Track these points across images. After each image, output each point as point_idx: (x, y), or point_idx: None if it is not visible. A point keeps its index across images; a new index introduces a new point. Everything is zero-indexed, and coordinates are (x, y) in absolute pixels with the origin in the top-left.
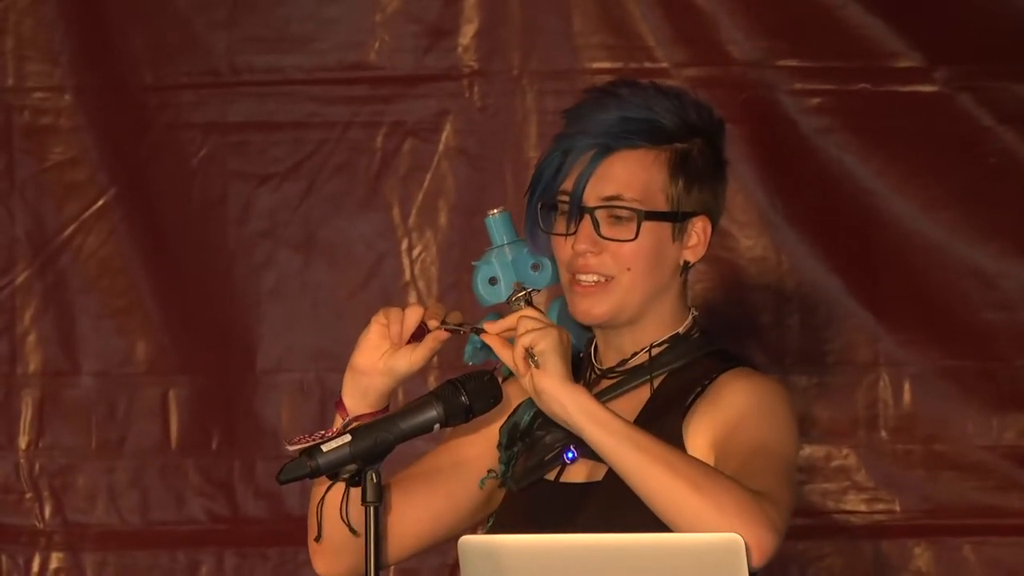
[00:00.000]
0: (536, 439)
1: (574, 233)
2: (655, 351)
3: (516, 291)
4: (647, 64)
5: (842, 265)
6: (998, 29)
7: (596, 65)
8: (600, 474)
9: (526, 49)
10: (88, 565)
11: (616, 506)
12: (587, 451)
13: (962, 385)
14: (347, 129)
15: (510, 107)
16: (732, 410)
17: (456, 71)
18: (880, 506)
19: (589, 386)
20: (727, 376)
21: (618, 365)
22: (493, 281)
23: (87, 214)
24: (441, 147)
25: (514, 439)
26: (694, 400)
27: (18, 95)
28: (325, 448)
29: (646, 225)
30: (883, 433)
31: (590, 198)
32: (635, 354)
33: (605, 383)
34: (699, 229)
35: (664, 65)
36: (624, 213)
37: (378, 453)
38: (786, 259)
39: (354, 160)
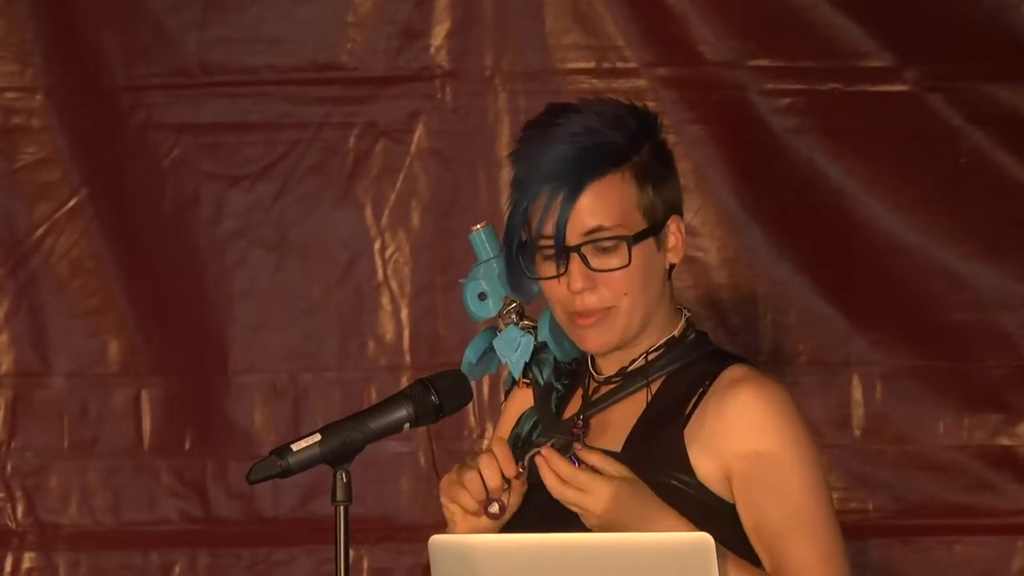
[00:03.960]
0: (534, 447)
1: (564, 273)
2: (652, 356)
3: (507, 305)
4: (619, 64)
5: (813, 265)
6: (969, 29)
7: (568, 65)
8: None
9: (498, 50)
10: (61, 565)
11: None
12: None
13: (933, 385)
14: (320, 130)
15: (482, 108)
16: (745, 443)
17: (428, 72)
18: (853, 505)
19: (588, 394)
20: (726, 382)
21: (617, 373)
22: (482, 297)
23: (59, 214)
24: (413, 148)
25: (516, 449)
26: (694, 407)
27: None
28: (295, 447)
29: (636, 247)
30: (855, 433)
31: (572, 236)
32: (633, 361)
33: (604, 389)
34: (674, 229)
35: (634, 65)
36: (610, 243)
37: (348, 453)
38: (757, 259)
39: (327, 161)
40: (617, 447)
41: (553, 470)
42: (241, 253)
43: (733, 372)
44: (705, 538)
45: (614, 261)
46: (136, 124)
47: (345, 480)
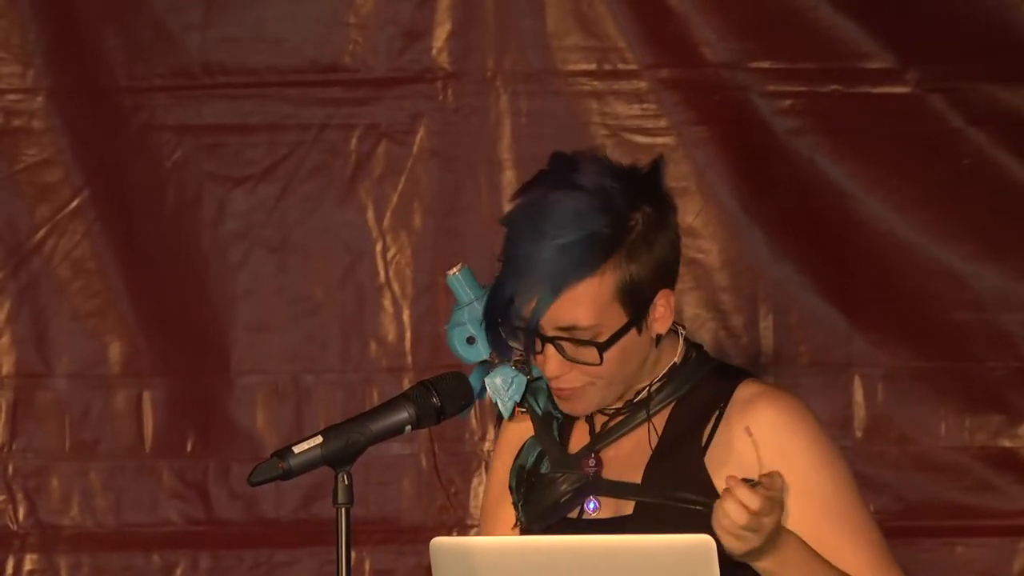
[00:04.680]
0: (547, 481)
1: (541, 353)
2: (655, 387)
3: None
4: (620, 66)
5: (814, 266)
6: (969, 30)
7: (570, 67)
8: (629, 508)
9: (500, 51)
10: (63, 567)
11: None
12: (607, 494)
13: (935, 386)
14: (321, 131)
15: (484, 109)
16: (775, 459)
17: (430, 73)
18: None
19: (593, 426)
20: (742, 402)
21: (624, 405)
22: (471, 341)
23: (61, 216)
24: (415, 149)
25: (522, 481)
26: (713, 431)
27: None
28: (296, 449)
29: (609, 348)
30: (856, 434)
31: (548, 328)
32: (638, 393)
33: (612, 422)
34: (663, 303)
35: (636, 67)
36: (583, 343)
37: (350, 455)
38: (758, 260)
39: (329, 162)
40: (636, 478)
41: (741, 501)
42: (243, 254)
43: (745, 390)
44: (706, 540)
45: (587, 356)
46: (138, 125)
47: (347, 482)
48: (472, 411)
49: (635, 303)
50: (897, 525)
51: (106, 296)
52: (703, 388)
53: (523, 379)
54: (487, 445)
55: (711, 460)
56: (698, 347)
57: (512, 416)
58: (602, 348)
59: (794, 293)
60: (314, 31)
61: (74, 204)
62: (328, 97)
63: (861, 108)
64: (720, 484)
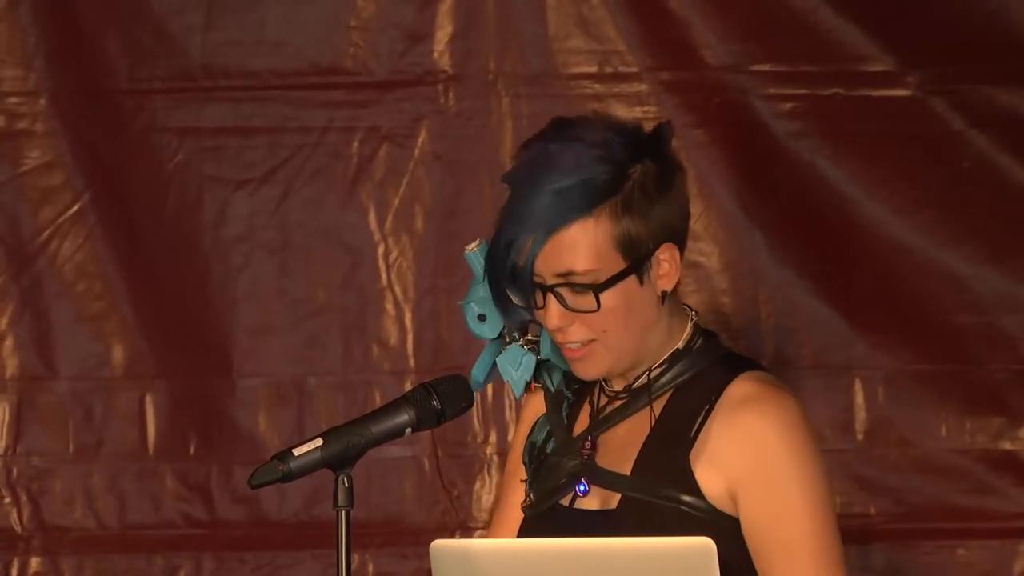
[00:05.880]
0: (553, 463)
1: (543, 307)
2: (655, 372)
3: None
4: (620, 68)
5: (815, 269)
6: (970, 32)
7: (571, 70)
8: (614, 501)
9: (501, 54)
10: (66, 569)
11: (633, 531)
12: (598, 481)
13: (936, 388)
14: (323, 134)
15: (486, 111)
16: (749, 465)
17: (431, 76)
18: (855, 510)
19: (596, 408)
20: (732, 399)
21: (624, 390)
22: (482, 318)
23: (63, 219)
24: (417, 152)
25: (533, 458)
26: (700, 427)
27: None
28: (296, 452)
29: (607, 292)
30: (857, 436)
31: (548, 277)
32: (638, 378)
33: (612, 406)
34: (666, 258)
35: (636, 69)
36: (580, 287)
37: (350, 457)
38: (759, 263)
39: (330, 165)
40: (626, 469)
41: None
42: (245, 257)
43: (739, 387)
44: (707, 543)
45: (587, 303)
46: (139, 128)
47: (347, 485)
48: (474, 414)
49: (633, 251)
50: (898, 527)
51: (108, 299)
52: (703, 378)
53: (532, 358)
54: (490, 448)
55: (695, 458)
56: (709, 333)
57: (528, 390)
58: (598, 290)
59: (795, 295)
60: (315, 34)
61: (76, 207)
62: (329, 100)
63: (862, 111)
64: (703, 481)
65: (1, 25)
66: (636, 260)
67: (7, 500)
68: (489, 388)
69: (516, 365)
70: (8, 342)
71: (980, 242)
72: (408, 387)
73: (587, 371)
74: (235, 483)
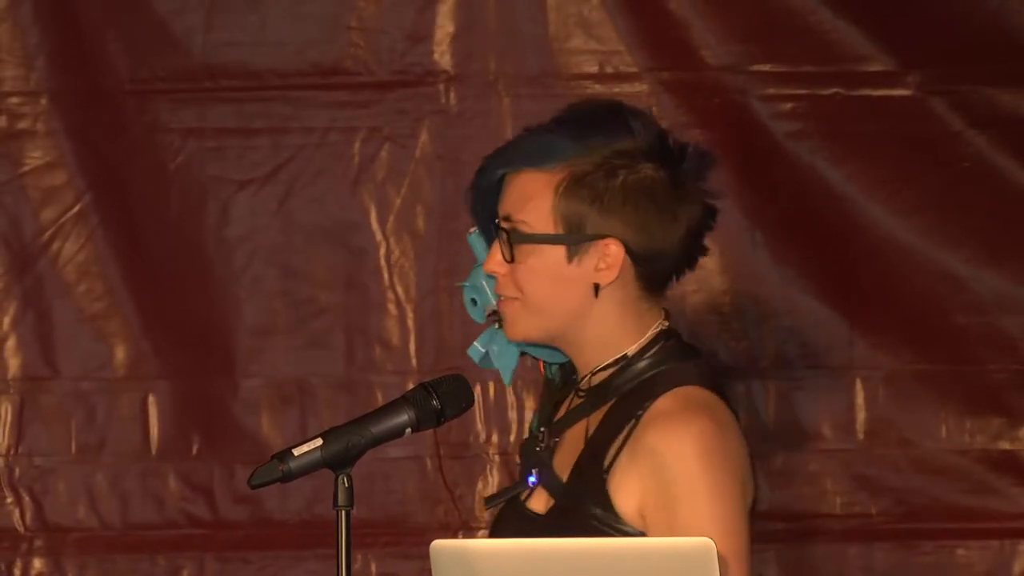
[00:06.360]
0: (531, 456)
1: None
2: (596, 377)
3: (488, 313)
4: (621, 68)
5: (815, 269)
6: (970, 32)
7: (571, 70)
8: (549, 506)
9: (502, 54)
10: (69, 569)
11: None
12: (545, 480)
13: (936, 388)
14: (325, 134)
15: (486, 112)
16: (656, 484)
17: (432, 76)
18: (856, 509)
19: (565, 406)
20: (650, 417)
21: (584, 390)
22: (475, 302)
23: (65, 219)
24: (418, 152)
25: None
26: (623, 443)
27: None
28: (296, 452)
29: (526, 248)
30: (858, 436)
31: (500, 216)
32: (584, 377)
33: (574, 405)
34: (610, 252)
35: (636, 70)
36: (507, 235)
37: (350, 457)
38: (759, 263)
39: (332, 165)
40: (566, 474)
41: None
42: (247, 257)
43: (661, 404)
44: (707, 543)
45: (508, 252)
46: (141, 128)
47: (347, 484)
48: (477, 414)
49: (573, 227)
50: (898, 528)
51: (111, 299)
52: (640, 390)
53: (515, 347)
54: (492, 449)
55: (612, 475)
56: (674, 344)
57: (512, 380)
58: (515, 239)
59: (795, 296)
60: (317, 34)
61: (78, 207)
62: (331, 100)
63: (861, 111)
64: (618, 501)
65: (2, 25)
66: (571, 234)
67: (10, 500)
68: (491, 388)
69: (501, 354)
70: (10, 342)
71: (979, 243)
72: (411, 387)
73: (509, 332)
74: (238, 483)
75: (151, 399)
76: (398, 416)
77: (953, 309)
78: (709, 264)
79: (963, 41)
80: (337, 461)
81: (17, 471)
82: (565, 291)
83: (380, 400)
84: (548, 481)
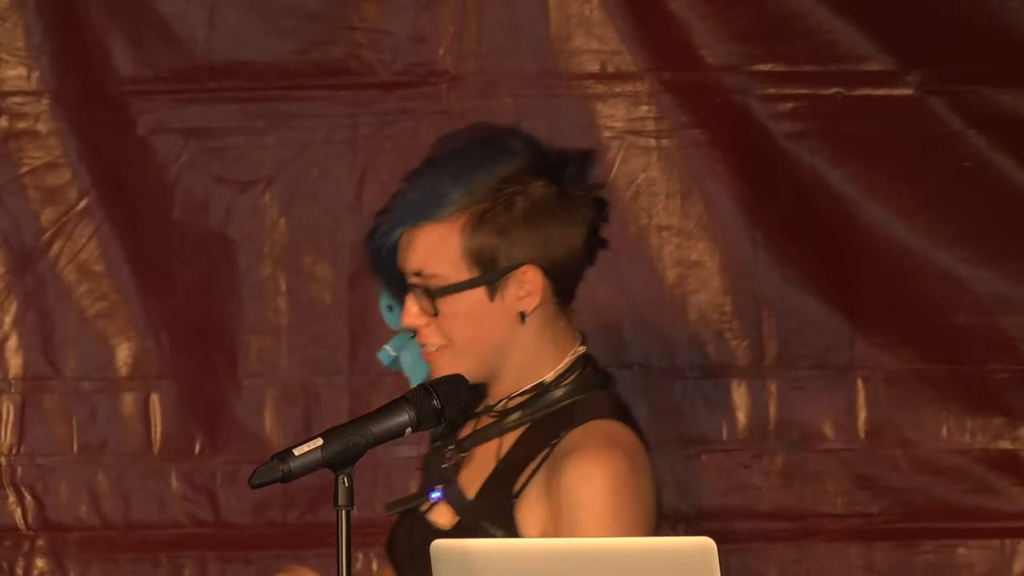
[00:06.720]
0: (435, 471)
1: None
2: (513, 402)
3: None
4: (622, 68)
5: (815, 269)
6: (970, 32)
7: (573, 70)
8: (453, 522)
9: (503, 54)
10: (71, 568)
11: None
12: (449, 496)
13: (936, 388)
14: (327, 135)
15: (489, 112)
16: (562, 517)
17: (435, 77)
18: (857, 509)
19: (475, 425)
20: (563, 449)
21: (495, 412)
22: (391, 308)
23: (66, 218)
24: (420, 153)
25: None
26: (533, 472)
27: None
28: (297, 452)
29: (448, 298)
30: (859, 436)
31: (407, 273)
32: (500, 401)
33: (481, 425)
34: (527, 279)
35: (636, 70)
36: (419, 290)
37: (350, 457)
38: (759, 264)
39: (335, 166)
40: (472, 492)
41: None
42: (250, 257)
43: (573, 435)
44: (707, 543)
45: (429, 307)
46: (144, 128)
47: (347, 484)
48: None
49: (485, 265)
50: (898, 527)
51: (113, 298)
52: (555, 418)
53: (416, 349)
54: None
55: (520, 501)
56: (591, 371)
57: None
58: (434, 295)
59: (795, 296)
60: (319, 35)
61: (80, 207)
62: (333, 100)
63: (862, 111)
64: (523, 528)
65: (4, 24)
66: (486, 274)
67: (11, 499)
68: None
69: (409, 360)
70: (12, 342)
71: (980, 243)
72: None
73: (440, 374)
74: (240, 483)
75: (153, 399)
76: (398, 416)
77: (953, 309)
78: (709, 264)
79: (963, 41)
80: (337, 461)
81: (19, 470)
82: (492, 328)
83: (384, 401)
84: (453, 497)
